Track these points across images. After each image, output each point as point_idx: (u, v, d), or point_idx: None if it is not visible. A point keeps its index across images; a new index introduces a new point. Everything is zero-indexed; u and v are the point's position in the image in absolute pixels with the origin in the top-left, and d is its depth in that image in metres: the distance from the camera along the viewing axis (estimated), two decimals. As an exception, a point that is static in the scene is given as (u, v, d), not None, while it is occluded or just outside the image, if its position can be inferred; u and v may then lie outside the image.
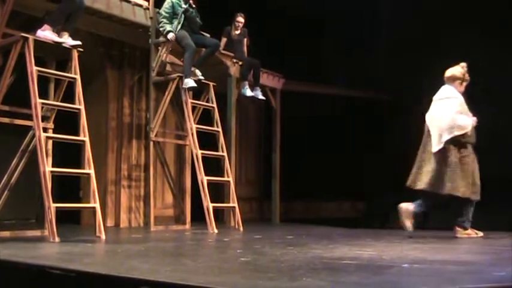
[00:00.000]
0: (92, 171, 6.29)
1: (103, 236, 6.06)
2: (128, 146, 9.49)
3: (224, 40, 9.94)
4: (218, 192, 9.43)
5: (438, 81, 7.01)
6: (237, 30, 10.09)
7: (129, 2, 8.37)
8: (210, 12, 8.98)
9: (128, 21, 8.44)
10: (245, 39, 10.21)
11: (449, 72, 6.79)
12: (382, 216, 12.39)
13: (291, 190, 11.70)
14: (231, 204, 8.48)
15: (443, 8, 12.42)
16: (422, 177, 6.63)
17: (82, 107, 6.53)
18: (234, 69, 9.98)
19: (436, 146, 6.47)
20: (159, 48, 8.49)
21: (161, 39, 8.41)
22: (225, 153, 8.62)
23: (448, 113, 6.49)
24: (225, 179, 8.56)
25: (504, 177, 10.54)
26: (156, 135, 8.59)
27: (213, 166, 8.77)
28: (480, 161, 6.73)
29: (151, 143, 8.52)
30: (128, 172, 9.46)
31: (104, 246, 5.53)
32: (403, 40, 13.04)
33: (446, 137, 6.41)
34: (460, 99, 6.65)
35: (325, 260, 4.05)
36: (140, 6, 8.54)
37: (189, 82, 8.23)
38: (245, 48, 10.22)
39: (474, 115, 6.69)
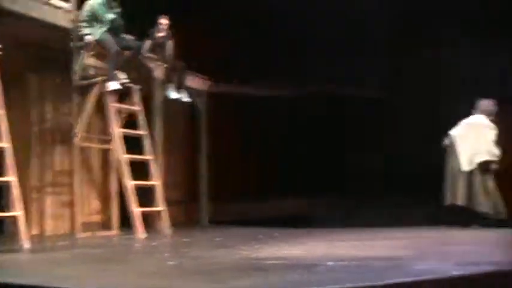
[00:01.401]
0: (14, 179, 6.13)
1: (27, 245, 5.92)
2: (51, 152, 9.27)
3: (148, 42, 9.83)
4: (147, 195, 9.35)
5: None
6: (161, 32, 10.00)
7: (50, 4, 8.19)
8: (133, 14, 8.88)
9: (49, 23, 8.25)
10: (170, 41, 10.14)
11: (487, 105, 8.02)
12: (311, 215, 12.56)
13: (219, 192, 11.70)
14: (158, 208, 8.41)
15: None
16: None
17: (2, 112, 6.36)
18: (158, 72, 9.89)
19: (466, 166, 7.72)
20: (82, 51, 8.34)
21: (81, 42, 8.27)
22: (151, 157, 8.55)
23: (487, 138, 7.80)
24: (152, 182, 8.49)
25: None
26: (80, 140, 8.44)
27: (141, 170, 8.68)
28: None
29: (76, 148, 8.37)
30: (53, 178, 9.24)
31: (29, 255, 5.42)
32: (334, 39, 13.22)
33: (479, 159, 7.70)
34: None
35: (252, 260, 4.09)
36: (61, 8, 8.37)
37: (113, 85, 8.12)
38: (169, 51, 10.14)
39: None
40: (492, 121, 8.04)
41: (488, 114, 8.05)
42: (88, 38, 8.09)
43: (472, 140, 7.84)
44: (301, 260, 4.10)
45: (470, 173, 7.73)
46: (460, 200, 7.68)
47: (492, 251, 5.06)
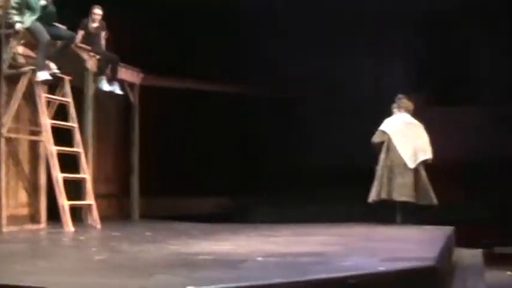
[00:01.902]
0: None
1: None
2: (-23, 143, 9.00)
3: (81, 33, 9.65)
4: (77, 189, 9.18)
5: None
6: (95, 22, 9.83)
7: (-23, -10, 7.94)
8: (66, 3, 8.69)
9: (-24, 10, 8.01)
10: (103, 33, 9.97)
11: (409, 104, 8.37)
12: (242, 211, 12.61)
13: (151, 186, 11.59)
14: (87, 202, 8.27)
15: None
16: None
17: None
18: (91, 63, 9.71)
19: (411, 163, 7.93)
20: (11, 39, 8.11)
21: (11, 30, 8.04)
22: (81, 150, 8.40)
23: (424, 138, 8.16)
24: (82, 175, 8.35)
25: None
26: (8, 131, 8.20)
27: (72, 162, 8.51)
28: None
29: (3, 139, 8.13)
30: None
31: None
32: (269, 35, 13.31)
33: (423, 157, 8.03)
34: None
35: (181, 256, 4.06)
36: (-12, -6, 8.12)
37: (43, 75, 7.94)
38: (103, 42, 9.98)
39: None
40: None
41: (410, 111, 8.39)
42: (18, 25, 7.87)
43: (412, 138, 8.10)
44: (230, 255, 4.10)
45: (415, 169, 7.98)
46: (396, 195, 7.87)
47: (417, 247, 5.18)
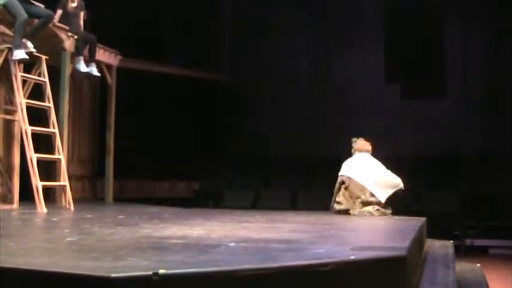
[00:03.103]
0: None
1: None
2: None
3: (59, 12, 9.55)
4: (50, 170, 9.12)
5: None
6: (74, 2, 9.74)
7: (-47, -36, 7.81)
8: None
9: None
10: (82, 13, 9.88)
11: (367, 145, 8.24)
12: (215, 196, 12.64)
13: (125, 169, 11.55)
14: (61, 183, 8.22)
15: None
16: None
17: None
18: (68, 43, 9.62)
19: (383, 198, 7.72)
20: (-13, 17, 8.01)
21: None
22: (56, 130, 8.33)
23: (386, 173, 7.93)
24: (56, 156, 8.29)
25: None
26: (-18, 109, 8.13)
27: (45, 143, 8.45)
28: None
29: (-23, 118, 8.06)
30: None
31: None
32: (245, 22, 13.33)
33: (390, 192, 7.76)
34: None
35: (152, 239, 4.05)
36: (-35, -30, 7.99)
37: (19, 54, 7.86)
38: (81, 22, 9.89)
39: None
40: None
41: (368, 151, 8.20)
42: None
43: (375, 174, 7.86)
44: (202, 240, 4.10)
45: None
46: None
47: (388, 237, 5.23)
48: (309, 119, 13.37)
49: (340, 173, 7.95)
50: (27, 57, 7.97)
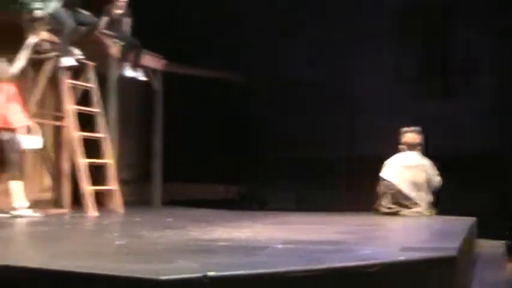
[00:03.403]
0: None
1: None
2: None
3: (105, 19, 9.69)
4: (99, 175, 9.26)
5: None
6: (119, 9, 9.87)
7: (4, -24, 8.01)
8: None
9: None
10: (127, 19, 10.01)
11: (416, 139, 7.98)
12: (259, 198, 12.65)
13: (171, 172, 11.65)
14: (111, 187, 8.34)
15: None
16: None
17: None
18: (114, 49, 9.76)
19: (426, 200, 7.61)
20: (35, 26, 8.17)
21: (36, 16, 8.10)
22: (104, 135, 8.46)
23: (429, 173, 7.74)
24: (105, 161, 8.41)
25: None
26: (33, 117, 8.29)
27: (94, 148, 8.58)
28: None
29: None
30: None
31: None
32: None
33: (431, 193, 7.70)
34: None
35: (200, 242, 4.09)
36: (15, -19, 8.19)
37: (68, 61, 8.01)
38: (127, 28, 10.02)
39: None
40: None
41: (416, 147, 7.97)
42: (42, 12, 7.94)
43: (417, 176, 7.66)
44: (249, 242, 4.12)
45: None
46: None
47: (438, 237, 5.16)
48: (339, 119, 13.20)
49: (382, 175, 7.83)
50: (75, 64, 8.12)
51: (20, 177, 7.31)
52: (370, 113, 12.79)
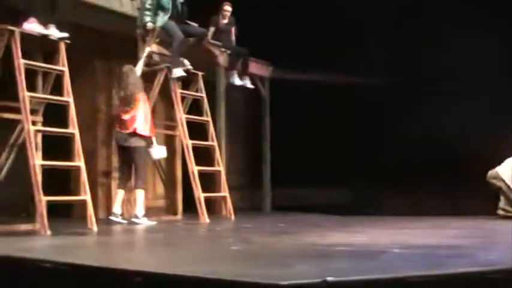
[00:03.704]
0: (82, 164, 6.26)
1: (95, 228, 6.05)
2: (117, 138, 9.43)
3: (212, 29, 9.90)
4: (208, 182, 9.43)
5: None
6: (225, 19, 10.05)
7: (115, -8, 8.32)
8: (197, 1, 8.92)
9: (115, 12, 8.38)
10: (233, 28, 10.18)
11: None
12: (372, 202, 12.44)
13: (280, 178, 11.69)
14: (222, 194, 8.47)
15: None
16: None
17: (71, 99, 6.50)
18: (222, 59, 9.94)
19: None
20: (147, 38, 8.44)
21: (146, 30, 8.36)
22: (215, 143, 8.61)
23: None
24: (216, 168, 8.55)
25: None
26: (148, 126, 8.53)
27: (203, 156, 8.75)
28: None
29: (141, 134, 8.47)
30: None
31: (96, 238, 5.53)
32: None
33: None
34: None
35: (317, 247, 4.07)
36: (126, -4, 8.49)
37: (178, 72, 8.21)
38: (233, 37, 10.18)
39: None
40: None
41: None
42: (149, 25, 8.19)
43: None
44: (367, 246, 4.06)
45: None
46: None
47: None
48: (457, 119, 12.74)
49: (498, 176, 7.53)
50: (185, 74, 8.31)
51: (144, 185, 7.58)
52: (484, 112, 12.30)
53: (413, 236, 4.88)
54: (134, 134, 7.41)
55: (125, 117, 7.40)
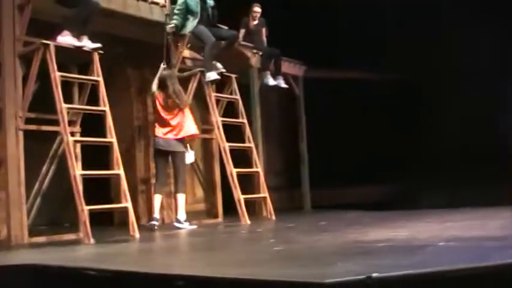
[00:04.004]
0: (121, 172, 6.32)
1: (137, 235, 6.10)
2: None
3: (242, 31, 9.93)
4: (247, 183, 9.44)
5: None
6: (255, 20, 10.07)
7: (145, 0, 8.38)
8: (226, 4, 8.95)
9: (145, 19, 8.44)
10: (263, 29, 10.18)
11: None
12: (410, 197, 12.31)
13: (318, 177, 11.66)
14: (262, 195, 8.47)
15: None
16: None
17: (107, 109, 6.57)
18: (254, 60, 9.96)
19: None
20: (179, 44, 8.49)
21: (177, 35, 8.41)
22: (252, 144, 8.62)
23: None
24: (254, 169, 8.56)
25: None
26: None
27: (239, 158, 8.76)
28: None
29: (178, 139, 8.51)
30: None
31: (138, 244, 5.57)
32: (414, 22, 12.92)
33: None
34: None
35: (359, 244, 4.04)
36: (157, 4, 8.53)
37: (212, 75, 8.25)
38: (264, 38, 10.19)
39: None
40: None
41: None
42: (184, 31, 8.25)
43: None
44: (409, 241, 4.02)
45: None
46: None
47: None
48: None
49: None
50: (218, 77, 8.34)
51: (185, 190, 7.63)
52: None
53: (457, 228, 4.81)
54: (178, 139, 7.47)
55: (172, 122, 7.45)
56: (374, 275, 2.59)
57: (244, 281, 2.82)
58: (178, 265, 3.54)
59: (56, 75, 6.24)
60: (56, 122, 6.39)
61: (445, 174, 12.65)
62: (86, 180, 6.85)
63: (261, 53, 9.97)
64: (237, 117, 8.71)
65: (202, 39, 8.30)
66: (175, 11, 8.32)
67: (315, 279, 2.62)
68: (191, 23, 8.33)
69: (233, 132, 8.74)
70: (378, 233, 4.84)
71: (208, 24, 8.42)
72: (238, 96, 8.76)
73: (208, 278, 2.95)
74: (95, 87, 6.67)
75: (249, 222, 7.65)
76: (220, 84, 8.89)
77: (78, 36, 6.58)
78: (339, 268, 2.97)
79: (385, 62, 13.49)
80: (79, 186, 5.92)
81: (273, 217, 8.22)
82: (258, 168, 8.55)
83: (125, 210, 6.35)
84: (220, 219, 8.62)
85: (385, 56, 13.32)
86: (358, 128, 13.27)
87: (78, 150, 6.58)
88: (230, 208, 8.41)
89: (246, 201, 8.10)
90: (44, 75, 6.45)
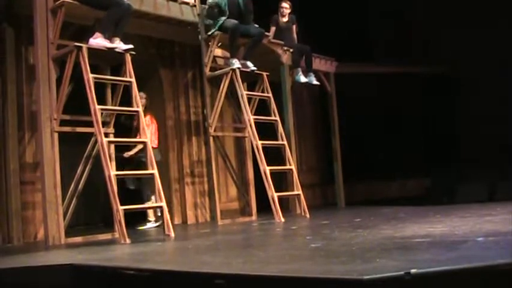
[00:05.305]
0: (155, 171, 6.36)
1: (172, 234, 6.13)
2: (187, 143, 9.57)
3: (273, 29, 9.92)
4: (280, 181, 9.44)
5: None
6: (284, 17, 10.04)
7: (176, 1, 8.42)
8: (258, 1, 8.94)
9: (176, 20, 8.49)
10: (293, 26, 10.15)
11: None
12: (448, 191, 12.18)
13: (351, 173, 11.61)
14: (295, 192, 8.45)
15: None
16: None
17: (140, 109, 6.62)
18: (285, 57, 9.94)
19: None
20: (210, 43, 8.52)
21: (208, 35, 8.45)
22: (285, 142, 8.60)
23: None
24: (287, 167, 8.54)
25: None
26: (214, 130, 8.62)
27: (271, 156, 8.76)
28: None
29: (211, 138, 8.56)
30: (191, 169, 9.54)
31: (174, 243, 5.59)
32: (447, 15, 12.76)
33: None
34: None
35: (396, 239, 4.00)
36: (187, 4, 8.58)
37: (236, 63, 8.29)
38: (294, 35, 10.16)
39: None
40: None
41: None
42: (217, 32, 8.30)
43: None
44: (447, 236, 3.97)
45: None
46: None
47: None
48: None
49: None
50: (240, 66, 8.35)
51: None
52: None
53: (496, 223, 4.74)
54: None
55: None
56: (413, 271, 2.57)
57: (284, 278, 2.81)
58: (216, 263, 3.54)
59: (89, 77, 6.30)
60: (89, 124, 6.46)
61: (484, 168, 12.49)
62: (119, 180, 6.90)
63: (291, 50, 9.94)
64: (269, 115, 8.70)
65: (228, 31, 8.31)
66: (210, 10, 8.36)
67: (354, 276, 2.61)
68: (219, 22, 8.35)
69: (266, 130, 8.74)
70: (414, 228, 4.80)
71: (240, 20, 8.39)
72: (270, 94, 8.75)
73: (247, 276, 2.96)
74: (127, 88, 6.72)
75: (283, 219, 7.64)
76: (252, 83, 8.90)
77: (110, 38, 6.64)
78: (376, 264, 2.95)
79: (419, 55, 13.37)
80: (114, 187, 5.96)
81: (307, 214, 8.19)
82: (291, 165, 8.53)
83: (159, 209, 6.38)
84: (254, 217, 8.62)
85: (421, 49, 13.20)
86: (392, 122, 13.20)
87: (112, 150, 6.64)
88: (264, 206, 8.40)
89: (280, 198, 8.08)
90: (78, 77, 6.53)
